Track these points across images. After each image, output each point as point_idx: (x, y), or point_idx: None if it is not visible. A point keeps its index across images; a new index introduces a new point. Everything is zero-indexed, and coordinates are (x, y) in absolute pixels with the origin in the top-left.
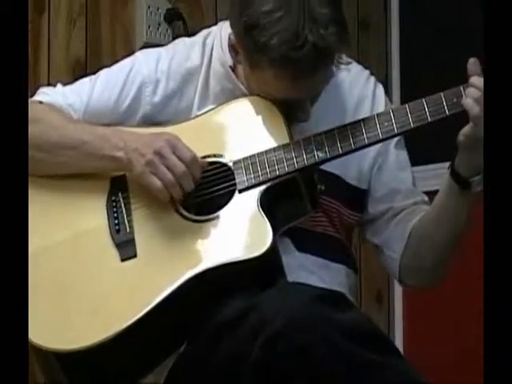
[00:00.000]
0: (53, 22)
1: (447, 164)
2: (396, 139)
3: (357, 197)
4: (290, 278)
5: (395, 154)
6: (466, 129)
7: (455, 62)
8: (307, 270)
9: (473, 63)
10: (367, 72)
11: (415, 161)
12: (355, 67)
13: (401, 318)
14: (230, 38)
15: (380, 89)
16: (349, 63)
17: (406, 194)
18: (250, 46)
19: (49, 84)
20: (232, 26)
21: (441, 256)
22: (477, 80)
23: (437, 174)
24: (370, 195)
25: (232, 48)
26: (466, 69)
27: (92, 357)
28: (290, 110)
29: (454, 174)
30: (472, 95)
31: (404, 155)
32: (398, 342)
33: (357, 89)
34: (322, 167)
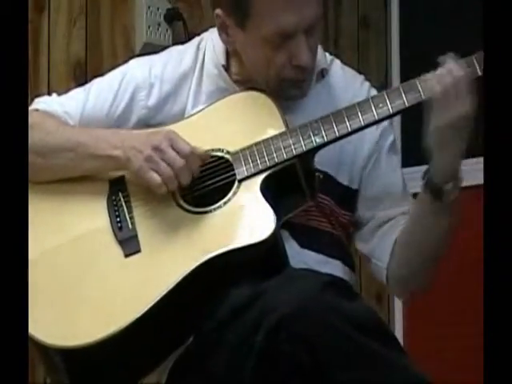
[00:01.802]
0: (53, 22)
1: None
2: (389, 143)
3: (348, 196)
4: None
5: (387, 158)
6: (431, 122)
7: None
8: (307, 265)
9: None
10: (362, 76)
11: (414, 161)
12: (350, 71)
13: (401, 318)
14: (217, 17)
15: (374, 93)
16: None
17: (395, 199)
18: None
19: (49, 84)
20: (215, 0)
21: (421, 266)
22: (448, 67)
23: None
24: (360, 195)
25: (222, 27)
26: None
27: (98, 352)
28: (286, 88)
29: (428, 180)
30: (437, 78)
31: (396, 159)
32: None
33: (352, 89)
34: (316, 166)
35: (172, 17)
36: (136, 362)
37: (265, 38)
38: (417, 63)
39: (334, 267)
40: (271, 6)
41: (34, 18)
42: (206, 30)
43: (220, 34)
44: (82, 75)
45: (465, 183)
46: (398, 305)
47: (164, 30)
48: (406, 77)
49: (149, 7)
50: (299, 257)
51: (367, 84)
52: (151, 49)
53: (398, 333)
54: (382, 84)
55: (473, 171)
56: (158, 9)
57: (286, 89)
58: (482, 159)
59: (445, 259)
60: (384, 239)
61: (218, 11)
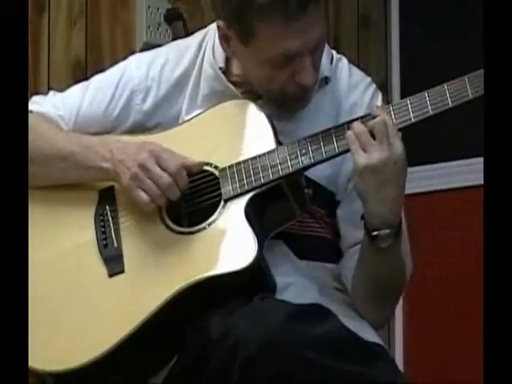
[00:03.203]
0: (53, 22)
1: (448, 164)
2: None
3: (335, 206)
4: (287, 282)
5: None
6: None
7: (455, 61)
8: (305, 275)
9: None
10: (368, 79)
11: (415, 161)
12: (358, 73)
13: (401, 317)
14: (219, 29)
15: (378, 99)
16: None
17: None
18: (236, 12)
19: (49, 84)
20: (217, 12)
21: (368, 303)
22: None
23: (437, 174)
24: (339, 208)
25: (224, 38)
26: (466, 68)
27: (85, 375)
28: (287, 101)
29: (364, 223)
30: (354, 126)
31: None
32: (398, 343)
33: (355, 93)
34: (307, 175)
35: (172, 17)
36: (123, 382)
37: (268, 58)
38: (417, 63)
39: (334, 272)
40: (277, 31)
41: (34, 18)
42: None
43: (221, 43)
44: (82, 75)
45: (464, 183)
46: (398, 305)
47: (164, 30)
48: (405, 77)
49: (149, 7)
50: (298, 269)
51: (372, 89)
52: (151, 49)
53: (398, 334)
54: (381, 84)
55: (473, 171)
56: (158, 9)
57: (287, 101)
58: (482, 159)
59: (444, 260)
60: (349, 261)
61: (221, 23)
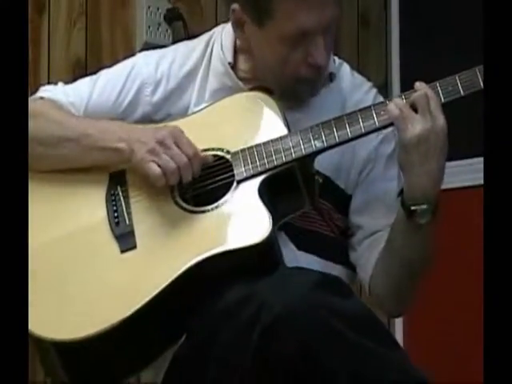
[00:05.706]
0: (53, 22)
1: (448, 164)
2: (389, 152)
3: (344, 201)
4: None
5: (385, 166)
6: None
7: (455, 61)
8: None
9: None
10: (370, 84)
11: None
12: (359, 77)
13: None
14: (233, 12)
15: (380, 100)
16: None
17: (385, 210)
18: None
19: (49, 84)
20: None
21: (395, 288)
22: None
23: None
24: (352, 200)
25: (238, 22)
26: (466, 68)
27: (91, 347)
28: (299, 87)
29: (401, 199)
30: (395, 101)
31: (394, 169)
32: (398, 341)
33: (359, 92)
34: (316, 168)
35: (172, 17)
36: (130, 357)
37: (283, 36)
38: (417, 63)
39: (334, 270)
40: (293, 7)
41: (34, 18)
42: (205, 29)
43: (234, 30)
44: (82, 75)
45: (464, 183)
46: None
47: (164, 30)
48: (405, 77)
49: (149, 7)
50: (297, 260)
51: (374, 91)
52: (151, 49)
53: (398, 333)
54: (381, 84)
55: (473, 171)
56: (158, 9)
57: (299, 87)
58: (481, 159)
59: (444, 259)
60: (368, 251)
61: (235, 6)
